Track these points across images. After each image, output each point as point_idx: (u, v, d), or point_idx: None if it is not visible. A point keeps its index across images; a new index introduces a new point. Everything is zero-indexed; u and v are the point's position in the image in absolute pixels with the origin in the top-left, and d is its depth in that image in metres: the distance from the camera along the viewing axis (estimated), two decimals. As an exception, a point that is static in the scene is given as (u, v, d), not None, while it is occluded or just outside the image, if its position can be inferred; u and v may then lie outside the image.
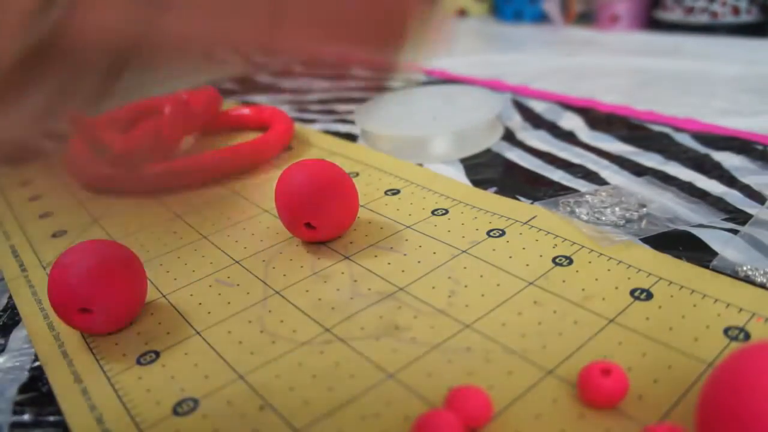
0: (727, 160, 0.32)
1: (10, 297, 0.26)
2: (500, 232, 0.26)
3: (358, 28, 0.14)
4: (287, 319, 0.22)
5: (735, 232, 0.25)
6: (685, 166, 0.32)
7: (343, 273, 0.24)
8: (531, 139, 0.38)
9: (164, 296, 0.24)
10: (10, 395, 0.20)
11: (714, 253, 0.23)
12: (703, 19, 0.63)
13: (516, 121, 0.41)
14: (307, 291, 0.23)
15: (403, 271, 0.24)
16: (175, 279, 0.25)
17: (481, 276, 0.23)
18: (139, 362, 0.20)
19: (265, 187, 0.34)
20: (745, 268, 0.22)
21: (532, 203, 0.29)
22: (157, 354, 0.21)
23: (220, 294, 0.24)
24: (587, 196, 0.29)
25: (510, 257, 0.24)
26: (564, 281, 0.22)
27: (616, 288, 0.22)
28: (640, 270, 0.22)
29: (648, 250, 0.24)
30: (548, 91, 0.48)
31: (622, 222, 0.26)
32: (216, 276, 0.25)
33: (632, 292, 0.21)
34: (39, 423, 0.19)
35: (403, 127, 0.37)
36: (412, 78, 0.51)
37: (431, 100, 0.41)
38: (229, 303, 0.23)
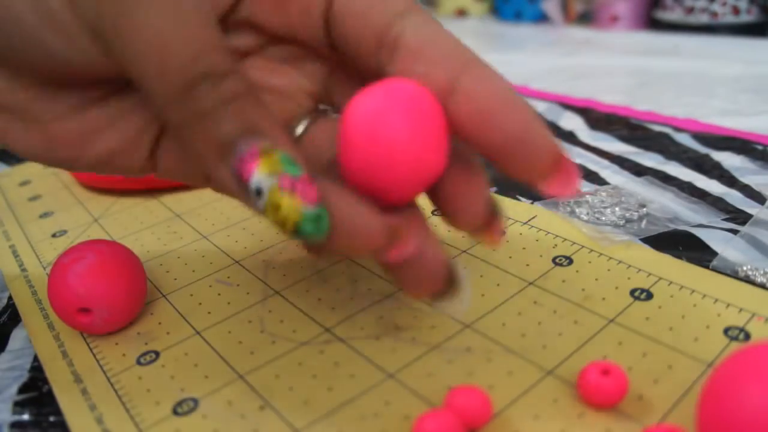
0: (727, 160, 0.32)
1: (10, 297, 0.26)
2: (500, 232, 0.26)
3: None
4: (287, 319, 0.22)
5: (735, 232, 0.25)
6: (685, 166, 0.32)
7: (343, 273, 0.24)
8: (531, 139, 0.38)
9: (164, 296, 0.24)
10: (10, 395, 0.20)
11: (714, 253, 0.23)
12: (703, 19, 0.63)
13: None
14: (307, 291, 0.23)
15: (403, 271, 0.24)
16: (175, 279, 0.25)
17: (481, 276, 0.23)
18: (139, 362, 0.20)
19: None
20: (745, 268, 0.22)
21: (532, 203, 0.29)
22: (157, 354, 0.21)
23: (220, 294, 0.24)
24: (587, 196, 0.29)
25: (510, 257, 0.24)
26: (564, 281, 0.22)
27: (616, 288, 0.22)
28: (640, 270, 0.22)
29: (648, 250, 0.24)
30: (548, 91, 0.48)
31: (622, 222, 0.26)
32: (216, 276, 0.25)
33: (632, 292, 0.21)
34: (39, 423, 0.19)
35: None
36: None
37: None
38: (229, 303, 0.23)
